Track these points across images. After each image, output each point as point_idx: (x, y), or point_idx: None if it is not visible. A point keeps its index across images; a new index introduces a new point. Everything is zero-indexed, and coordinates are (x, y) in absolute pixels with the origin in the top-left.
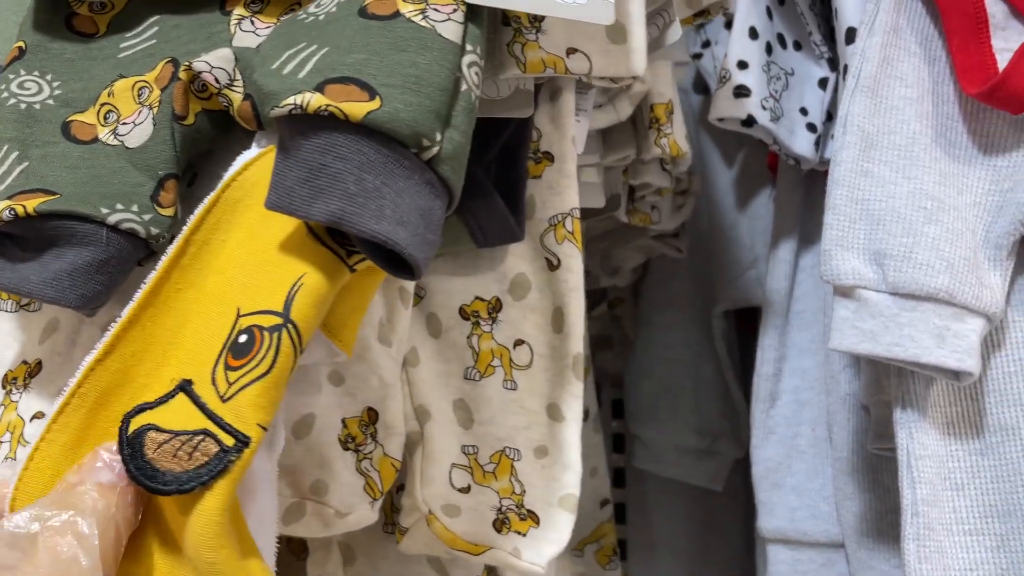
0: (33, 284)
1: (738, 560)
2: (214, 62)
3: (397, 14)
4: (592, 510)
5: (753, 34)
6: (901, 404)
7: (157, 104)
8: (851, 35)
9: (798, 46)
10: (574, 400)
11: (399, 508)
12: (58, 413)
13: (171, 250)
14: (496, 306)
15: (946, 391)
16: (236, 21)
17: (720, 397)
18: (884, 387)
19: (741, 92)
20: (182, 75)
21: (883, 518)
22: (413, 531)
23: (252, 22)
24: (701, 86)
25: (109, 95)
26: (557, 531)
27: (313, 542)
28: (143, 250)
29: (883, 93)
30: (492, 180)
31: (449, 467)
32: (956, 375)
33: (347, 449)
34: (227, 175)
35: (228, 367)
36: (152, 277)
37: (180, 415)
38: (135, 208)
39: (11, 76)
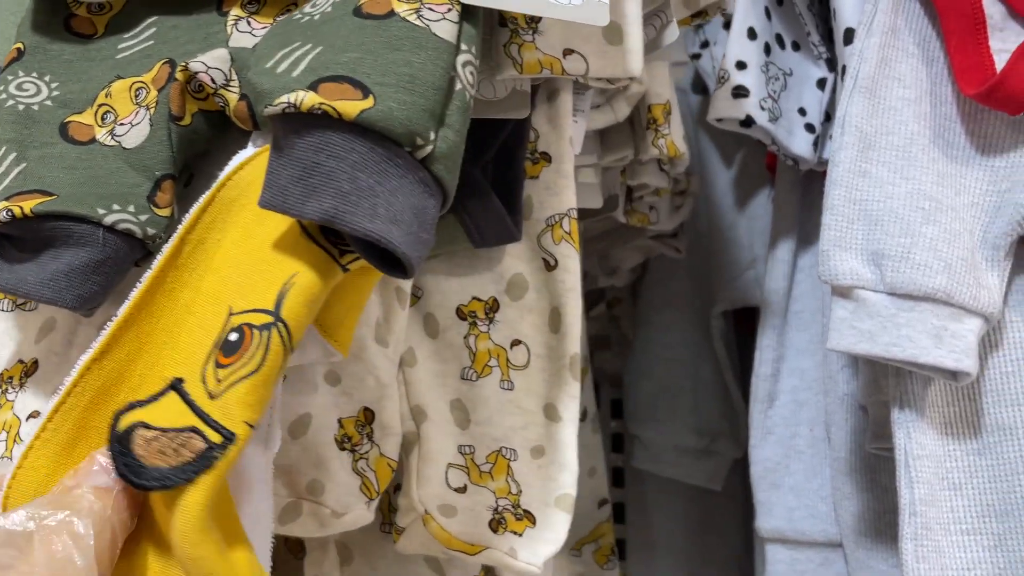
0: (30, 285)
1: (736, 560)
2: (210, 62)
3: (392, 13)
4: (590, 510)
5: (752, 34)
6: (899, 404)
7: (154, 105)
8: (849, 36)
9: (796, 46)
10: (571, 400)
11: (396, 508)
12: (53, 412)
13: (166, 249)
14: (493, 306)
15: (944, 391)
16: (233, 22)
17: (719, 397)
18: (882, 387)
19: (740, 92)
20: (179, 76)
21: (881, 518)
22: (410, 531)
23: (248, 22)
24: (700, 86)
25: (107, 96)
26: (553, 531)
27: (310, 542)
28: (140, 251)
29: (881, 94)
30: (489, 180)
31: (445, 467)
32: (954, 375)
33: (343, 449)
34: (222, 174)
35: (218, 365)
36: (147, 277)
37: (170, 413)
38: (132, 209)
39: (10, 77)
